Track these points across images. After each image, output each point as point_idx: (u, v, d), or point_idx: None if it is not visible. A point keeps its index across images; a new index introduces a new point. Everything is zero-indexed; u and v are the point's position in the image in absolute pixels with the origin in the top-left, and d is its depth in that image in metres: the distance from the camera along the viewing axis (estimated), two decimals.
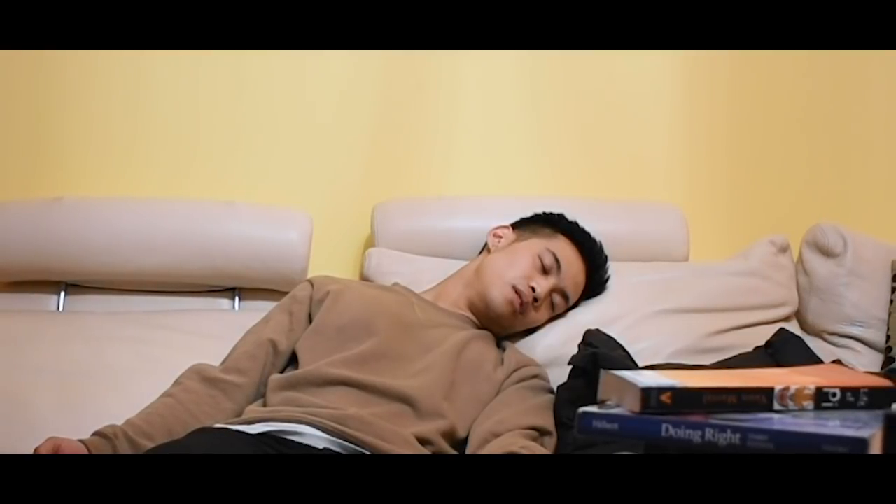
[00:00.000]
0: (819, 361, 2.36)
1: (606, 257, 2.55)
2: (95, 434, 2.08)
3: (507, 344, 2.42)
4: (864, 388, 1.41)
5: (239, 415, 2.19)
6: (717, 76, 2.90)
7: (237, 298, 2.63)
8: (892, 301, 2.68)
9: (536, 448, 2.11)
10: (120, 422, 2.12)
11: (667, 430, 1.29)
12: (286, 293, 2.44)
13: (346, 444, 2.06)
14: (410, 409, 2.17)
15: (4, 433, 2.19)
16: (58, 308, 2.57)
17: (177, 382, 2.24)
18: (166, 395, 2.22)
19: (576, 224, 2.53)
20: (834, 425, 1.28)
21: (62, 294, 2.58)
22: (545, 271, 2.43)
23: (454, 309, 2.43)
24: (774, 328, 2.53)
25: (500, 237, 2.53)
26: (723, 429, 1.27)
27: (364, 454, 2.04)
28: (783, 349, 2.42)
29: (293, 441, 2.05)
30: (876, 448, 1.22)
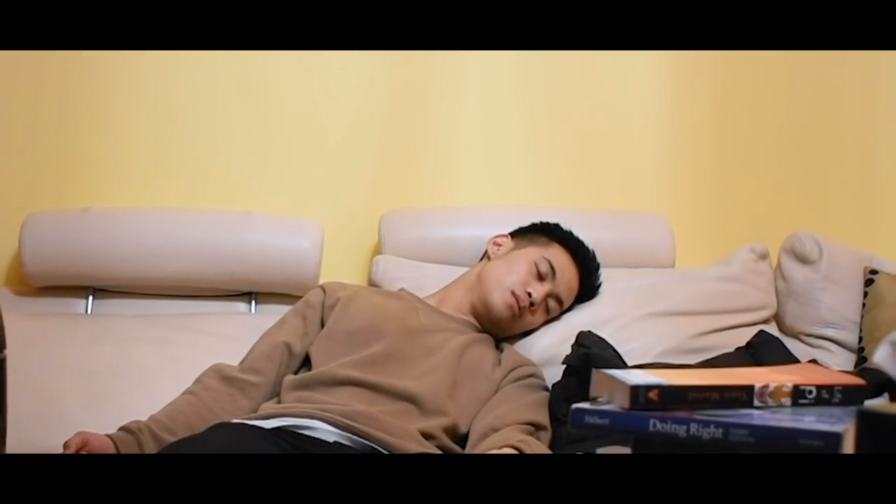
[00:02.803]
0: (796, 361, 2.36)
1: (599, 264, 2.55)
2: (121, 429, 2.08)
3: (506, 345, 2.42)
4: (838, 385, 1.41)
5: (255, 412, 2.19)
6: (700, 94, 2.90)
7: (254, 302, 2.63)
8: (864, 305, 2.69)
9: (533, 442, 2.11)
10: (144, 417, 2.12)
11: (654, 424, 1.29)
12: (299, 297, 2.45)
13: (355, 438, 2.06)
14: (416, 407, 2.17)
15: (36, 428, 2.20)
16: (86, 311, 2.57)
17: (197, 381, 2.25)
18: (188, 392, 2.22)
19: (570, 233, 2.53)
20: (810, 420, 1.28)
21: (90, 298, 2.58)
22: (541, 278, 2.44)
23: (457, 313, 2.44)
24: (754, 330, 2.54)
25: (500, 245, 2.53)
26: (706, 424, 1.27)
27: (371, 452, 2.05)
28: (763, 349, 2.42)
29: (305, 435, 2.05)
30: (849, 441, 1.22)
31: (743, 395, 1.35)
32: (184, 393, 2.22)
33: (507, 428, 2.14)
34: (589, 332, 2.37)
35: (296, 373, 2.29)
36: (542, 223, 2.57)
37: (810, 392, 1.38)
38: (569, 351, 2.31)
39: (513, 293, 2.39)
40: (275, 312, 2.47)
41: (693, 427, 1.27)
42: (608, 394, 1.36)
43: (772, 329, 2.65)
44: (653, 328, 2.55)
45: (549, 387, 2.32)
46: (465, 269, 2.56)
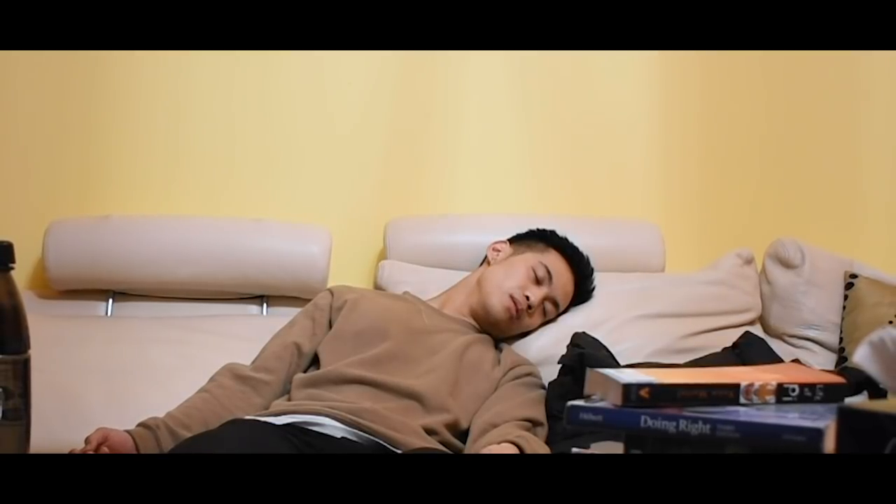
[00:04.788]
0: (780, 361, 2.36)
1: (593, 269, 2.55)
2: (139, 425, 2.08)
3: (504, 346, 2.42)
4: (819, 384, 1.41)
5: (266, 408, 2.19)
6: (688, 108, 2.90)
7: (265, 305, 2.63)
8: (844, 307, 2.69)
9: (530, 437, 2.11)
10: (161, 414, 2.12)
11: (645, 421, 1.29)
12: (308, 300, 2.45)
13: (362, 433, 2.06)
14: (419, 404, 2.17)
15: (59, 425, 2.20)
16: (106, 313, 2.57)
17: (212, 379, 2.25)
18: (202, 390, 2.22)
19: (566, 239, 2.53)
20: (793, 417, 1.28)
21: (110, 301, 2.58)
22: (538, 282, 2.44)
23: (458, 315, 2.44)
24: (740, 331, 2.54)
25: (499, 251, 2.53)
26: (695, 420, 1.27)
27: (376, 447, 2.05)
28: (748, 350, 2.42)
29: (314, 431, 2.05)
30: (830, 437, 1.22)
31: (729, 393, 1.35)
32: (199, 391, 2.22)
33: (506, 424, 2.14)
34: (583, 333, 2.37)
35: (305, 371, 2.29)
36: (539, 230, 2.57)
37: (793, 390, 1.38)
38: (564, 351, 2.31)
39: (511, 297, 2.39)
40: (285, 315, 2.47)
41: (682, 423, 1.27)
42: (602, 392, 1.36)
43: (757, 330, 2.65)
44: (644, 329, 2.55)
45: (546, 385, 2.32)
46: (466, 274, 2.56)
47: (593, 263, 2.56)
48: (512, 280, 2.42)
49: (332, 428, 2.06)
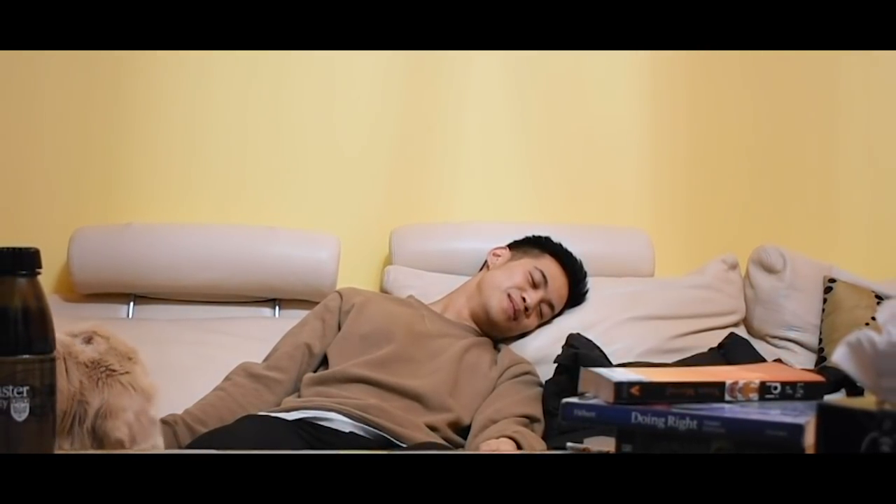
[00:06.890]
0: (763, 360, 2.36)
1: (586, 273, 2.56)
2: (159, 421, 2.08)
3: (503, 346, 2.43)
4: (800, 382, 1.41)
5: (278, 405, 2.19)
6: (676, 121, 2.90)
7: (277, 308, 2.63)
8: (823, 310, 2.69)
9: (528, 433, 2.11)
10: (180, 411, 2.12)
11: (636, 417, 1.29)
12: (318, 303, 2.45)
13: (368, 428, 2.06)
14: (420, 404, 2.17)
15: None
16: (128, 316, 2.57)
17: (227, 378, 2.25)
18: (218, 388, 2.23)
19: (561, 245, 2.54)
20: (775, 413, 1.28)
21: (131, 304, 2.58)
22: (535, 285, 2.44)
23: (458, 319, 2.44)
24: (725, 333, 2.54)
25: (498, 256, 2.54)
26: (682, 416, 1.27)
27: (383, 441, 2.05)
28: (733, 350, 2.42)
29: (323, 426, 2.06)
30: (810, 432, 1.22)
31: (715, 391, 1.35)
32: (215, 389, 2.22)
33: (505, 420, 2.15)
34: (578, 334, 2.37)
35: (314, 371, 2.29)
36: (535, 237, 2.57)
37: (775, 388, 1.38)
38: (560, 351, 2.31)
39: (509, 299, 2.40)
40: (296, 317, 2.47)
41: (671, 419, 1.27)
42: (595, 390, 1.36)
43: (741, 332, 2.65)
44: (635, 331, 2.55)
45: (543, 383, 2.32)
46: (467, 278, 2.56)
47: (586, 268, 2.56)
48: (510, 283, 2.42)
49: (341, 423, 2.07)
